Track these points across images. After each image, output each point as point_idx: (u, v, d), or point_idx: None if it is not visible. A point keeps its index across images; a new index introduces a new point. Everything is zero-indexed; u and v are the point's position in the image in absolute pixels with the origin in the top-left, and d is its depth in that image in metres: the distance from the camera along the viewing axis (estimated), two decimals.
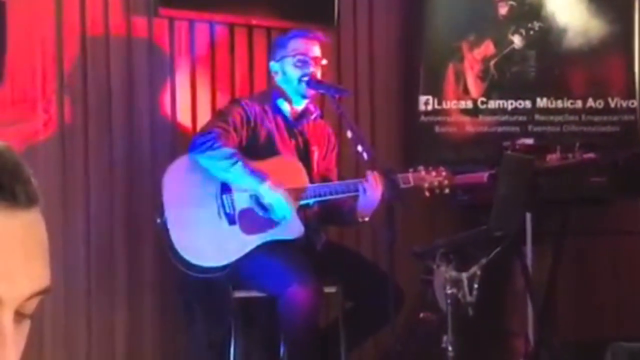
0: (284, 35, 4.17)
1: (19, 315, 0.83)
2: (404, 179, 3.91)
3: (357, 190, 3.88)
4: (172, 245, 3.80)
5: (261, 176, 3.81)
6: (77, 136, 4.06)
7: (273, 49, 4.18)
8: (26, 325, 0.85)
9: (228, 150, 3.81)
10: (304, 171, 3.98)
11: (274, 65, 4.10)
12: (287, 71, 4.03)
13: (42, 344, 3.96)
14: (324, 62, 4.10)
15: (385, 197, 3.75)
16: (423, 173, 3.99)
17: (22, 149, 3.88)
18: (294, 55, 4.02)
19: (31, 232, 0.83)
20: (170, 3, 4.27)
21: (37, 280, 0.83)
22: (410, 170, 4.00)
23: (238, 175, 3.79)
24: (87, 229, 4.07)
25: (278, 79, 4.08)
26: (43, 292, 0.84)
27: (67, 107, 4.04)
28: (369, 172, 3.88)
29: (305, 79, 3.99)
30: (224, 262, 3.81)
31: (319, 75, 4.05)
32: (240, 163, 3.79)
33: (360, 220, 3.93)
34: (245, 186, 3.82)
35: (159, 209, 3.85)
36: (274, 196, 3.80)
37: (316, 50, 4.06)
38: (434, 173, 3.99)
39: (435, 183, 3.98)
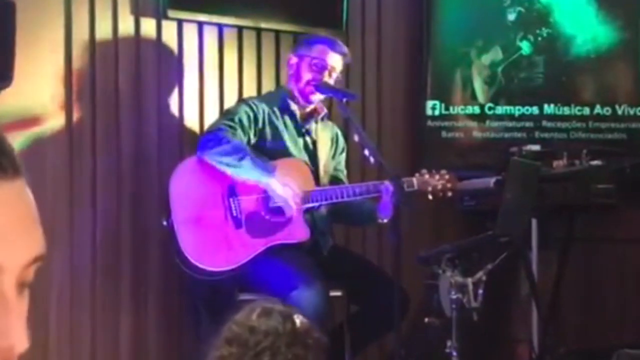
0: (313, 36, 4.19)
1: (20, 286, 0.84)
2: (408, 183, 3.91)
3: (371, 193, 3.87)
4: (178, 248, 3.80)
5: (269, 169, 3.81)
6: (84, 138, 4.07)
7: (297, 44, 4.19)
8: (27, 295, 0.86)
9: (236, 144, 3.81)
10: (311, 173, 3.99)
11: (292, 58, 4.11)
12: (301, 69, 4.04)
13: (47, 343, 3.97)
14: (340, 77, 4.11)
15: (393, 200, 3.75)
16: (427, 176, 3.98)
17: (30, 150, 3.89)
18: (313, 57, 4.03)
19: (22, 200, 0.85)
20: (179, 5, 4.28)
21: (35, 246, 0.85)
22: (415, 174, 4.00)
23: (246, 168, 3.79)
24: (94, 229, 4.08)
25: (290, 74, 4.09)
26: (40, 258, 0.86)
27: (75, 108, 4.05)
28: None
29: (314, 83, 4.00)
30: (230, 266, 3.81)
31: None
32: (248, 157, 3.79)
33: (379, 221, 3.91)
34: (254, 179, 3.82)
35: (166, 211, 3.86)
36: (283, 186, 3.80)
37: (335, 61, 4.06)
38: (437, 176, 3.99)
39: (439, 186, 3.98)
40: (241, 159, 3.78)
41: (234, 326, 1.95)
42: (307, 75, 4.02)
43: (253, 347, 1.87)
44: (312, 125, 4.12)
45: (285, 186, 3.80)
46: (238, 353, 1.88)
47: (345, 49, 4.11)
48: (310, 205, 3.92)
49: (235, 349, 1.88)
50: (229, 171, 3.80)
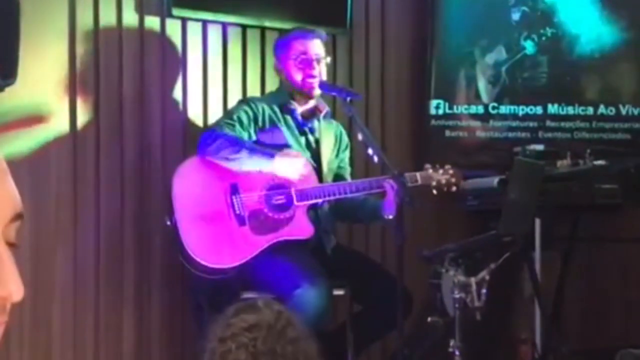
0: (285, 36, 4.18)
1: (6, 245, 0.87)
2: (411, 178, 3.91)
3: (374, 189, 3.88)
4: (182, 247, 3.80)
5: (269, 153, 3.83)
6: (88, 136, 4.07)
7: (275, 50, 4.19)
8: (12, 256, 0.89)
9: (231, 137, 3.83)
10: (313, 170, 3.99)
11: (278, 64, 4.12)
12: (290, 72, 4.05)
13: (50, 343, 3.97)
14: (327, 59, 4.10)
15: (397, 199, 3.74)
16: (430, 171, 3.99)
17: (34, 148, 3.89)
18: (295, 57, 4.03)
19: None
20: (183, 4, 4.28)
21: (14, 202, 0.88)
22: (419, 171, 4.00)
23: (245, 159, 3.80)
24: (97, 228, 4.08)
25: (282, 78, 4.10)
26: (19, 216, 0.89)
27: (79, 106, 4.05)
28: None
29: (310, 80, 4.00)
30: (234, 263, 3.81)
31: (323, 74, 4.06)
32: (245, 147, 3.81)
33: (385, 217, 3.91)
34: (256, 168, 3.83)
35: (169, 211, 3.86)
36: (288, 165, 3.82)
37: (317, 48, 4.06)
38: (441, 171, 3.99)
39: (443, 181, 3.98)
40: (238, 150, 3.80)
41: (244, 316, 2.09)
42: (298, 76, 4.03)
43: (275, 326, 1.98)
44: (315, 124, 4.13)
45: (289, 163, 3.83)
46: (262, 335, 1.96)
47: (322, 33, 4.11)
48: (314, 201, 3.93)
49: (257, 333, 2.00)
50: (230, 165, 3.81)
